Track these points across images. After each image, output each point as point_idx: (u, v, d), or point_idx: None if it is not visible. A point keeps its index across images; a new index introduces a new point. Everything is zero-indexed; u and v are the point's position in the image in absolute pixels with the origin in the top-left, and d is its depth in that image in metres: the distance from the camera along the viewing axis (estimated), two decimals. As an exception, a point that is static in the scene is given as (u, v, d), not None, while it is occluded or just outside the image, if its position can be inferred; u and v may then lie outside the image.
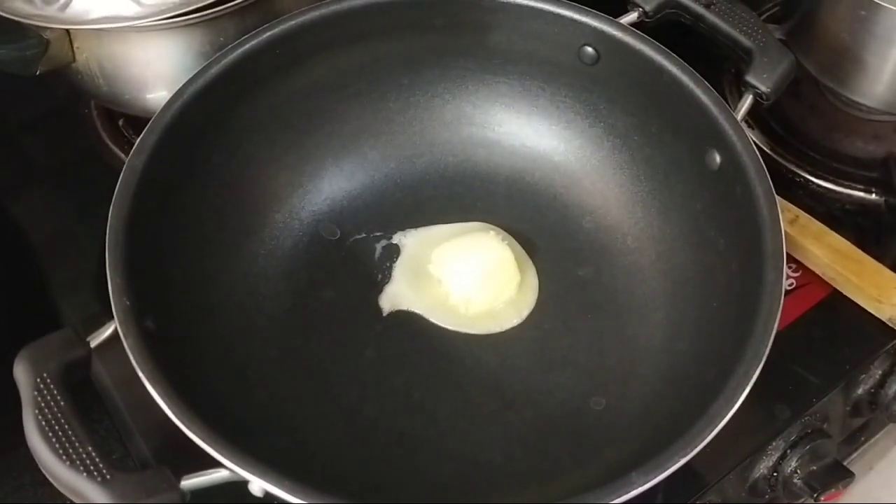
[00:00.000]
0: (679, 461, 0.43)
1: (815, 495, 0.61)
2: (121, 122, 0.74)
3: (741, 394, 0.45)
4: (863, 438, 0.71)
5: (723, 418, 0.44)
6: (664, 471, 0.43)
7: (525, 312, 0.60)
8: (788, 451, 0.61)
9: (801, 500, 0.64)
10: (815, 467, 0.62)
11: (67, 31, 0.60)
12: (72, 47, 0.62)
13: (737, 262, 0.54)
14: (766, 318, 0.47)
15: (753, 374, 0.46)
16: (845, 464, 0.67)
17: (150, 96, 0.64)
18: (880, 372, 0.65)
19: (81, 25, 0.58)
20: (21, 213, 0.72)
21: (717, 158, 0.55)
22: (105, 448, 0.43)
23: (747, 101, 0.56)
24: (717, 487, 0.58)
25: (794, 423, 0.60)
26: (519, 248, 0.62)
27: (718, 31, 0.58)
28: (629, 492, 0.42)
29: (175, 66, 0.62)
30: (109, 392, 0.59)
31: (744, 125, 0.55)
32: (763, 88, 0.56)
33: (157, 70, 0.63)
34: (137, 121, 0.73)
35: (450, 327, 0.59)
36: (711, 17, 0.58)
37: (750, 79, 0.56)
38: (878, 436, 0.72)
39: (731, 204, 0.54)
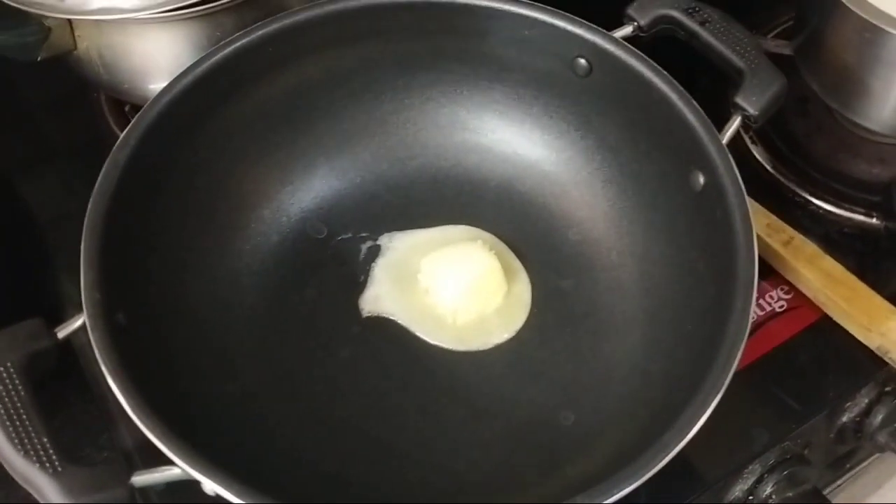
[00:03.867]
0: (624, 489, 0.43)
1: (788, 524, 0.61)
2: (127, 109, 0.75)
3: (695, 424, 0.45)
4: (848, 466, 0.70)
5: (673, 449, 0.44)
6: (608, 497, 0.43)
7: (514, 328, 0.59)
8: (765, 476, 0.61)
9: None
10: (791, 493, 0.61)
11: (69, 19, 0.61)
12: (73, 35, 0.63)
13: (714, 286, 0.53)
14: (729, 349, 0.46)
15: (710, 405, 0.45)
16: (828, 491, 0.66)
17: (151, 87, 0.65)
18: (867, 400, 0.64)
19: (80, 15, 0.59)
20: (28, 193, 0.73)
21: (701, 180, 0.54)
22: (62, 440, 0.44)
23: (734, 124, 0.55)
24: (687, 509, 0.58)
25: (772, 449, 0.60)
26: (511, 256, 0.62)
27: (711, 50, 0.57)
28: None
29: (173, 59, 0.62)
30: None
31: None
32: (751, 111, 0.55)
33: (156, 61, 0.63)
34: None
35: (434, 342, 0.59)
36: (705, 34, 0.57)
37: (739, 101, 0.55)
38: (864, 464, 0.70)
39: (711, 227, 0.53)
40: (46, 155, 0.76)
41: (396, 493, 0.53)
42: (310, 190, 0.63)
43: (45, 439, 0.43)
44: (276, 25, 0.58)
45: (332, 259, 0.62)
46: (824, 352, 0.63)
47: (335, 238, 0.63)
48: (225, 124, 0.59)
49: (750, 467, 0.60)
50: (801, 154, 0.71)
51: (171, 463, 0.44)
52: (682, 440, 0.44)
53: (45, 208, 0.72)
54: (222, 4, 0.60)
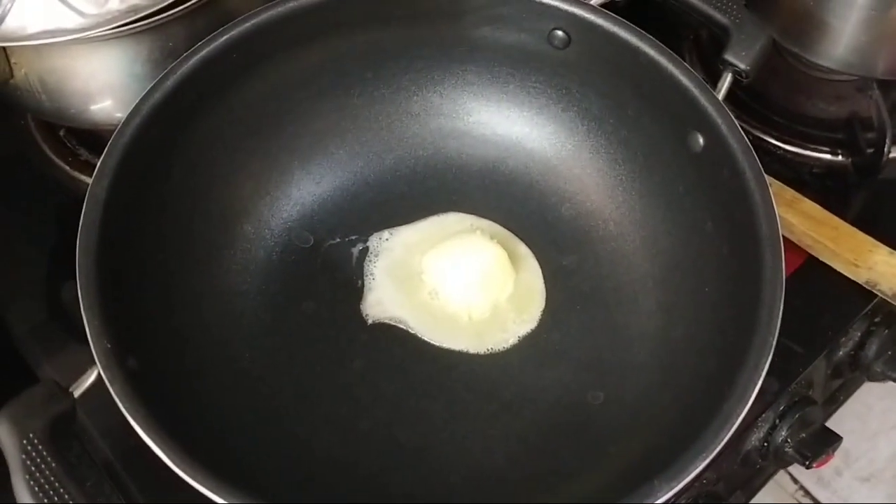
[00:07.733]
0: (700, 465, 0.43)
1: (806, 463, 0.62)
2: (62, 133, 0.70)
3: (752, 390, 0.44)
4: (842, 398, 0.72)
5: (738, 416, 0.44)
6: (686, 476, 0.42)
7: (534, 316, 0.58)
8: (778, 421, 0.62)
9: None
10: (804, 434, 0.62)
11: (2, 47, 0.56)
12: (9, 63, 0.57)
13: (727, 244, 0.53)
14: (769, 309, 0.46)
15: (762, 369, 0.45)
16: (827, 425, 0.68)
17: (94, 107, 0.61)
18: (859, 334, 0.66)
19: (19, 42, 0.54)
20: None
21: (700, 140, 0.54)
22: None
23: (727, 81, 0.55)
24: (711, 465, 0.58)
25: (782, 394, 0.60)
26: (515, 241, 0.60)
27: (692, 9, 0.56)
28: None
29: (123, 75, 0.59)
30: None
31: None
32: (742, 66, 0.55)
33: (104, 80, 0.59)
34: (81, 130, 0.69)
35: (454, 348, 0.57)
36: (686, -7, 0.56)
37: (729, 57, 0.55)
38: (855, 394, 0.73)
39: (717, 186, 0.53)
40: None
41: (440, 498, 0.52)
42: (289, 198, 0.60)
43: (92, 511, 0.39)
44: (238, 30, 0.55)
45: (325, 267, 0.59)
46: (815, 293, 0.64)
47: (323, 245, 0.60)
48: (195, 140, 0.56)
49: (763, 415, 0.60)
50: (762, 101, 0.71)
51: None
52: (743, 408, 0.44)
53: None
54: (174, 13, 0.55)
